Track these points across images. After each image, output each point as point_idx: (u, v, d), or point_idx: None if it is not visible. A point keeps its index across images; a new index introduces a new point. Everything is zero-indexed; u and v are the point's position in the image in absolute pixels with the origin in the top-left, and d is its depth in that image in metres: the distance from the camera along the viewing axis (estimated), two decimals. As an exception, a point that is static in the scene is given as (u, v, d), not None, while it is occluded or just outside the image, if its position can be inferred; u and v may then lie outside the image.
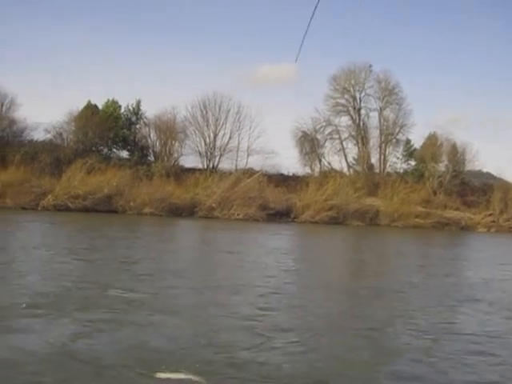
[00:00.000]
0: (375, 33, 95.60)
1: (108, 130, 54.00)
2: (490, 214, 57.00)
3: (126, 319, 11.17)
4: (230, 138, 58.18)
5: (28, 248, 21.67)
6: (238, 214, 48.57)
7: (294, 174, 59.39)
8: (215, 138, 57.74)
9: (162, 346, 9.46)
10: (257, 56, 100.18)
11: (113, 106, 56.13)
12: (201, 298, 14.00)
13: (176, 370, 7.62)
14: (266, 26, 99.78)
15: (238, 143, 58.43)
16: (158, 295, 14.07)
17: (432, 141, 60.98)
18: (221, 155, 57.83)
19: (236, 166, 57.42)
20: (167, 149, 55.82)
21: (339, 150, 62.77)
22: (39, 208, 44.02)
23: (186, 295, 14.40)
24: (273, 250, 26.96)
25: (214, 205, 48.96)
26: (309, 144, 61.71)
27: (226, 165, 57.81)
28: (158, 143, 56.40)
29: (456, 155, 60.65)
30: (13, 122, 52.54)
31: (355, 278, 20.50)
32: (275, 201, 50.35)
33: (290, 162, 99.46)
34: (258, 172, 54.09)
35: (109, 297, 13.28)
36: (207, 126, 57.67)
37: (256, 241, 33.28)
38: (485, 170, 68.18)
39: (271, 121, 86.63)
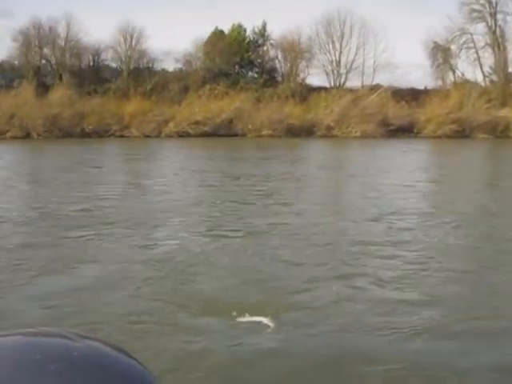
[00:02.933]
0: None
1: (234, 55, 55.08)
2: None
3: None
4: (355, 54, 56.25)
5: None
6: (355, 132, 47.89)
7: (425, 88, 55.92)
8: (340, 55, 56.42)
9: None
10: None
11: (238, 30, 56.84)
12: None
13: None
14: None
15: (364, 60, 56.31)
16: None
17: None
18: (347, 72, 56.52)
19: (362, 83, 55.82)
20: (293, 69, 55.84)
21: (474, 60, 57.91)
22: (162, 135, 46.39)
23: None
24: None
25: (331, 123, 48.60)
26: (442, 55, 57.87)
27: (353, 82, 56.36)
28: (284, 64, 56.49)
29: None
30: (143, 53, 54.65)
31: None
32: (396, 116, 48.56)
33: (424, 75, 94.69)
34: (382, 88, 52.41)
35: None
36: (332, 43, 56.42)
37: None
38: None
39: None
